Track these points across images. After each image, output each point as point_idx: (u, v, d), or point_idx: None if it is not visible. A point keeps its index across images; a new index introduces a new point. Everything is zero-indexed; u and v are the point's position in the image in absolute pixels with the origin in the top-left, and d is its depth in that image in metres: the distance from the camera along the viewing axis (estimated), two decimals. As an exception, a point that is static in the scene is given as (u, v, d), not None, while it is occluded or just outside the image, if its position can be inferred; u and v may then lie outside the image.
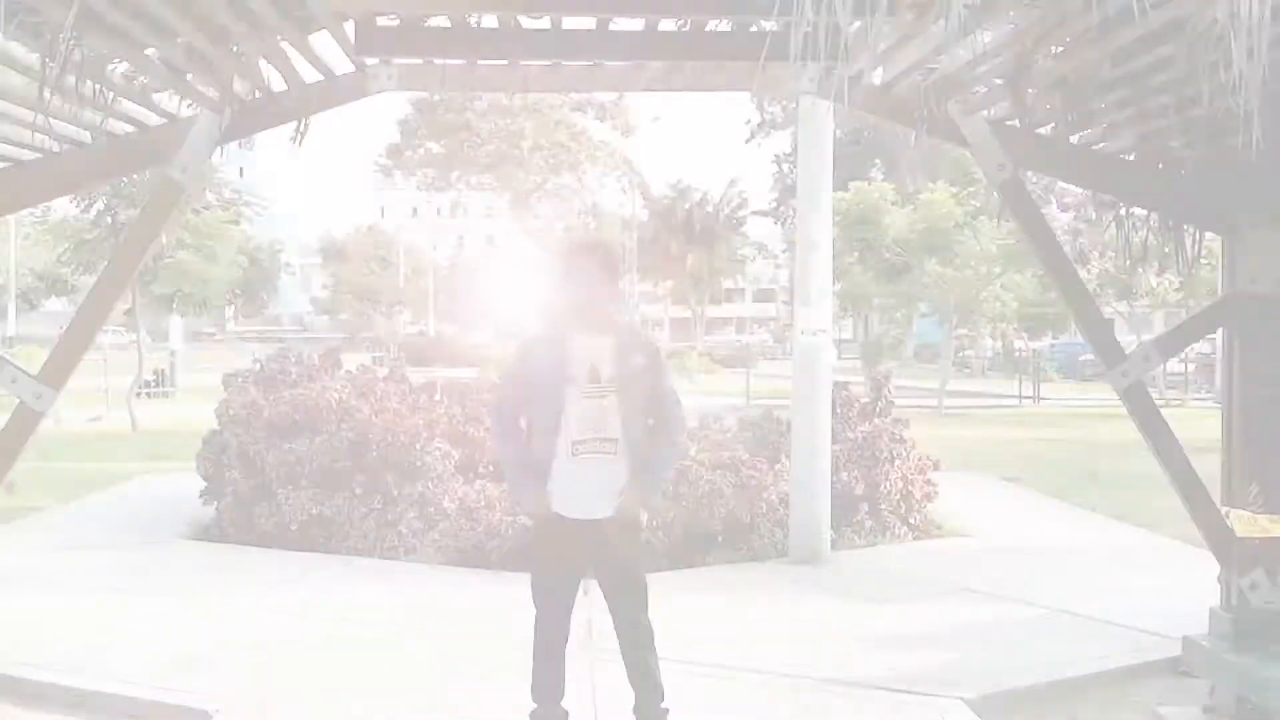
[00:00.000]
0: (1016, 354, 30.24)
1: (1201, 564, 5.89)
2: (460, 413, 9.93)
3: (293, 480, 8.81)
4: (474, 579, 7.81)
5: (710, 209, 64.39)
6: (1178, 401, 24.31)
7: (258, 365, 10.57)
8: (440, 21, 4.49)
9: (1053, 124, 4.92)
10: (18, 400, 4.79)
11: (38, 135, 4.01)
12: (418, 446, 8.98)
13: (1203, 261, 16.66)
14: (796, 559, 8.23)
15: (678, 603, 7.22)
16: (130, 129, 4.84)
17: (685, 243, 62.93)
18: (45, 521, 10.18)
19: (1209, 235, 5.79)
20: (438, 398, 10.38)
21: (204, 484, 9.76)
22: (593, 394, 4.38)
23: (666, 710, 4.55)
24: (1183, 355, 26.50)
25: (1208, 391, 27.60)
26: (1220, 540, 5.18)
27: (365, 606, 7.07)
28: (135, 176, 16.77)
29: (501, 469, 4.63)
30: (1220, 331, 5.57)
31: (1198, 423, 16.42)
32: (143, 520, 10.03)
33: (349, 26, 4.36)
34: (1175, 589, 7.37)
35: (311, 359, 10.58)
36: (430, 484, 8.99)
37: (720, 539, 8.38)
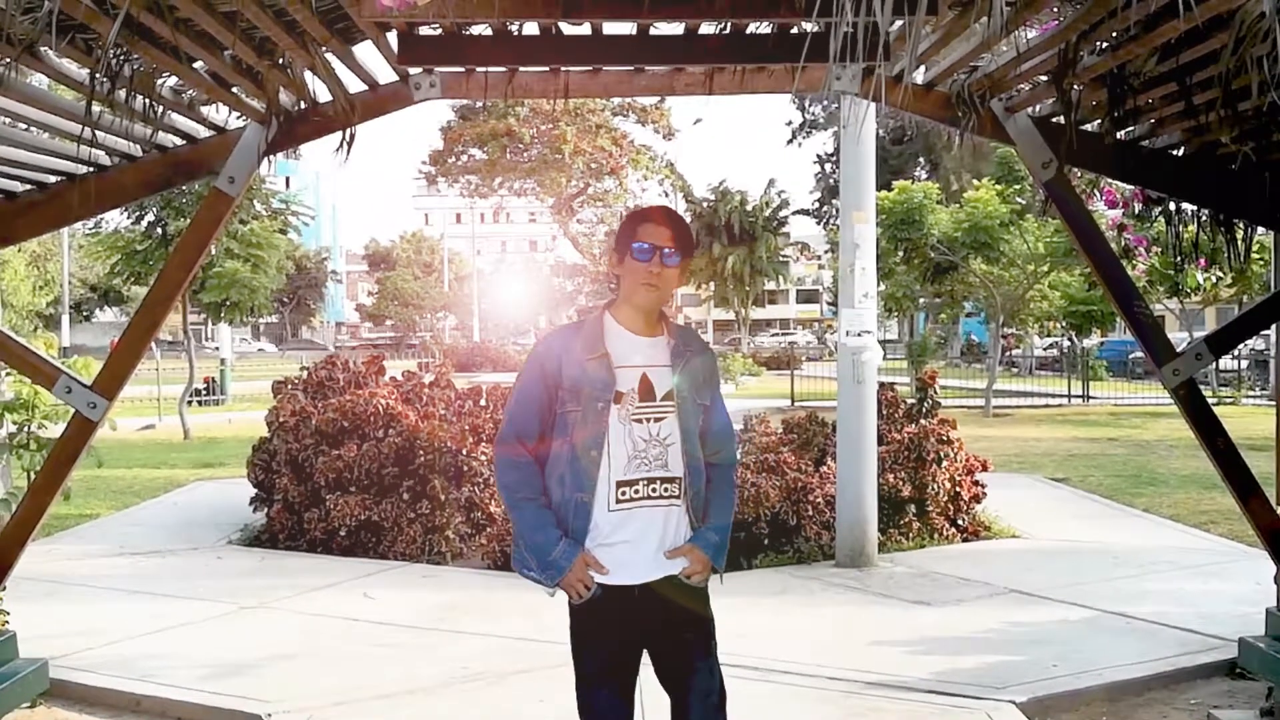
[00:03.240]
0: (1078, 352, 29.84)
1: (1257, 564, 5.81)
2: (505, 417, 9.99)
3: (341, 486, 8.90)
4: (522, 584, 7.81)
5: (750, 210, 64.24)
6: (1231, 399, 23.95)
7: (305, 372, 10.69)
8: (482, 30, 4.52)
9: (1099, 120, 4.87)
10: (73, 410, 4.87)
11: (87, 149, 4.07)
12: (464, 452, 9.06)
13: (1255, 257, 16.45)
14: (843, 562, 8.19)
15: (723, 605, 7.21)
16: (179, 141, 4.92)
17: (727, 244, 62.83)
18: (99, 528, 10.35)
19: (1261, 230, 5.71)
20: (483, 403, 10.46)
21: (254, 490, 9.89)
22: (646, 416, 3.24)
23: None
24: (1236, 352, 26.11)
25: (1262, 389, 27.16)
26: (1276, 540, 5.09)
27: (415, 611, 7.12)
28: (185, 188, 17.07)
29: (512, 524, 3.38)
30: (1274, 327, 5.48)
31: (1252, 420, 16.23)
32: (194, 526, 10.17)
33: (391, 37, 4.40)
34: (1229, 590, 7.28)
35: (358, 366, 10.68)
36: (477, 489, 9.07)
37: (766, 542, 8.36)
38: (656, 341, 3.34)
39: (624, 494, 3.23)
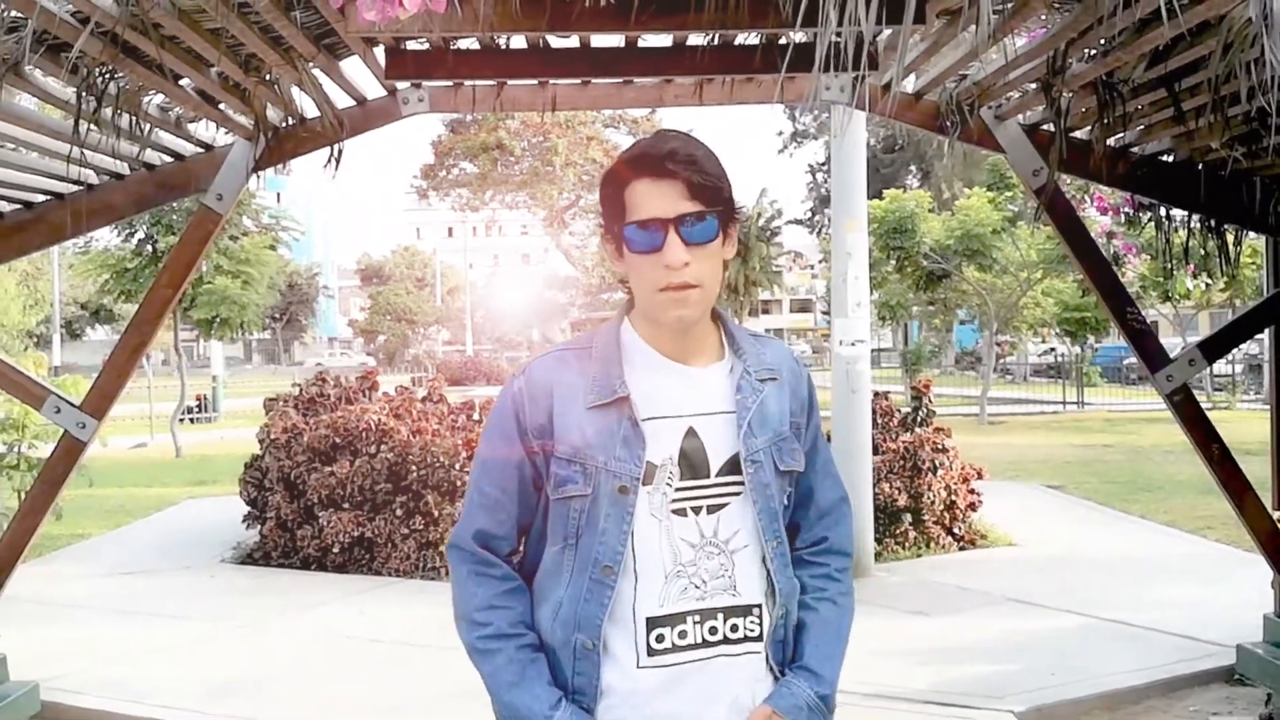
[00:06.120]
0: (1076, 359, 29.93)
1: (1254, 570, 5.79)
2: (499, 431, 9.96)
3: (334, 503, 8.86)
4: (516, 598, 7.79)
5: (744, 220, 64.35)
6: (1225, 404, 23.97)
7: (296, 389, 10.65)
8: (469, 43, 4.51)
9: (1089, 127, 4.86)
10: (63, 430, 4.84)
11: (75, 168, 4.05)
12: (457, 466, 9.02)
13: (1247, 261, 16.55)
14: (839, 572, 8.15)
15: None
16: (166, 159, 4.90)
17: (720, 255, 62.84)
18: (91, 548, 10.29)
19: (1252, 234, 5.71)
20: (476, 417, 10.42)
21: (246, 508, 9.84)
22: (695, 504, 1.89)
23: None
24: (1230, 357, 26.15)
25: (1256, 393, 27.19)
26: (1272, 545, 5.08)
27: (409, 628, 7.08)
28: (175, 205, 17.03)
29: (484, 677, 2.09)
30: (1267, 332, 5.47)
31: (1247, 425, 16.23)
32: (187, 545, 10.13)
33: (379, 51, 4.39)
34: (1226, 596, 7.26)
35: (349, 381, 10.65)
36: (471, 503, 9.02)
37: (762, 553, 8.32)
38: (710, 371, 1.94)
39: (661, 639, 1.85)
